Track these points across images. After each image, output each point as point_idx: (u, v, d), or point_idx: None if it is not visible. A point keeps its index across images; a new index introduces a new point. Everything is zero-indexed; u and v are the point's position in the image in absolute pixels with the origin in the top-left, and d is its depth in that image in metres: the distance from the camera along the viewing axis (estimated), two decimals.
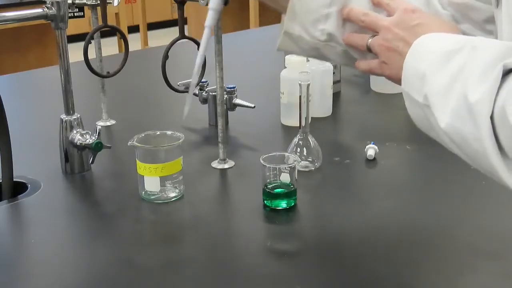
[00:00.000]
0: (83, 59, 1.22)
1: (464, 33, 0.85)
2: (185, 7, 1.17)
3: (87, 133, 1.18)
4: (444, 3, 0.90)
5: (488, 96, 0.66)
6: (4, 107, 1.10)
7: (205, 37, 0.89)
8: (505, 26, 0.75)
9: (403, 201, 1.08)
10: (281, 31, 0.93)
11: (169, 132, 1.11)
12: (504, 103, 0.65)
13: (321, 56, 0.94)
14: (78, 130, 1.18)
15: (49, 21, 1.12)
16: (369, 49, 0.87)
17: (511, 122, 0.64)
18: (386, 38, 0.83)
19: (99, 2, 1.28)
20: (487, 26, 0.86)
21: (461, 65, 0.70)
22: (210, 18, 0.89)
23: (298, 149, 1.18)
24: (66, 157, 1.18)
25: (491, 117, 0.66)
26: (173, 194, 1.08)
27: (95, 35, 1.32)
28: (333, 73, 1.49)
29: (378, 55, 0.85)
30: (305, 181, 1.12)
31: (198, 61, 0.91)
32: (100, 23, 1.26)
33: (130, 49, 1.32)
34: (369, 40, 0.86)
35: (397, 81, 0.82)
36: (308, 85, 1.15)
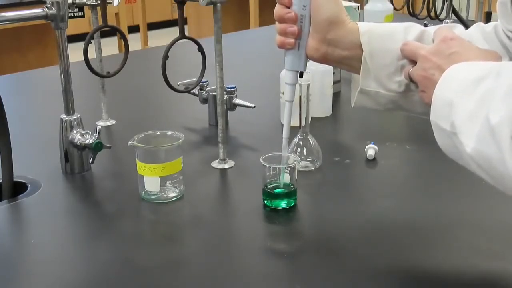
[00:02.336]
0: (83, 59, 1.22)
1: None
2: (185, 7, 1.17)
3: (87, 133, 1.18)
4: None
5: (508, 117, 0.67)
6: (4, 107, 1.10)
7: (287, 110, 0.96)
8: None
9: (403, 201, 1.08)
10: (355, 90, 0.93)
11: (169, 132, 1.11)
12: None
13: (400, 108, 0.93)
14: (78, 130, 1.18)
15: (49, 21, 1.12)
16: (411, 79, 0.87)
17: None
18: (424, 67, 0.83)
19: (99, 2, 1.28)
20: None
21: (486, 91, 0.71)
22: (288, 93, 0.95)
23: (298, 149, 1.18)
24: (66, 157, 1.18)
25: None
26: (173, 194, 1.08)
27: (95, 35, 1.32)
28: (333, 73, 1.49)
29: (418, 83, 0.85)
30: (305, 181, 1.12)
31: (285, 134, 0.98)
32: (100, 23, 1.26)
33: (130, 49, 1.32)
34: (410, 70, 0.86)
35: None
36: (308, 85, 1.15)
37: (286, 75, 0.95)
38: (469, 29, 0.93)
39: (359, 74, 0.91)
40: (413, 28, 0.90)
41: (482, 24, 0.95)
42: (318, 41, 0.90)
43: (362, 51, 0.89)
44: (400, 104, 0.92)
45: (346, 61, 0.91)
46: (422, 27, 0.91)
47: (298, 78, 0.95)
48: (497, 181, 0.72)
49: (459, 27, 0.91)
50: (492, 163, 0.69)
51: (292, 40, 0.91)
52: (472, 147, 0.71)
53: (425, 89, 0.83)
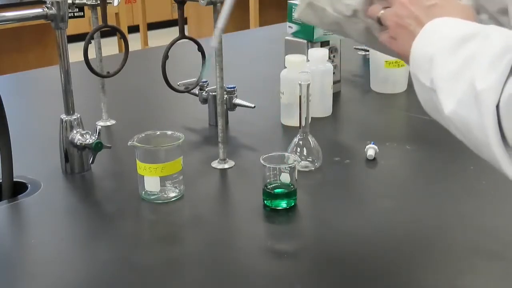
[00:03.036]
0: (83, 59, 1.22)
1: (481, 23, 0.85)
2: (185, 7, 1.17)
3: (87, 133, 1.18)
4: None
5: (496, 85, 0.66)
6: (4, 107, 1.10)
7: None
8: None
9: (403, 201, 1.08)
10: (303, 0, 0.92)
11: (169, 132, 1.11)
12: (509, 91, 0.65)
13: (341, 32, 0.92)
14: (78, 130, 1.18)
15: (49, 21, 1.12)
16: (379, 21, 0.85)
17: None
18: (399, 14, 0.81)
19: (99, 2, 1.28)
20: (501, 17, 0.85)
21: (472, 53, 0.70)
22: None
23: (298, 149, 1.18)
24: (66, 157, 1.18)
25: (497, 107, 0.66)
26: (173, 194, 1.08)
27: (95, 35, 1.32)
28: (333, 73, 1.49)
29: (388, 28, 0.84)
30: (305, 181, 1.12)
31: (220, 25, 0.85)
32: (100, 23, 1.26)
33: (130, 49, 1.32)
34: (381, 12, 0.84)
35: (404, 58, 0.81)
36: (308, 85, 1.15)
37: None
38: None
39: None
40: None
41: None
42: None
43: None
44: (343, 27, 0.91)
45: None
46: None
47: (298, 77, 0.94)
48: (473, 146, 0.71)
49: None
50: (470, 128, 0.69)
51: None
52: (451, 109, 0.70)
53: (396, 36, 0.82)
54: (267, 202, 1.04)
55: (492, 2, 0.85)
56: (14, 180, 1.13)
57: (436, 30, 0.76)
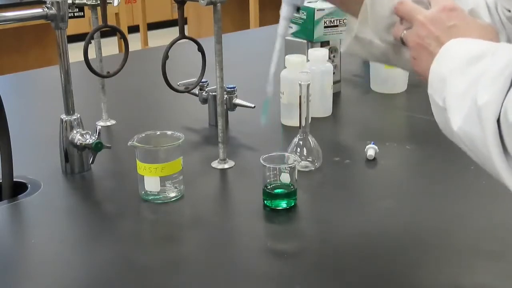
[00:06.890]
0: (83, 59, 1.22)
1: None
2: (185, 7, 1.17)
3: (87, 133, 1.18)
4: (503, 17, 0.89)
5: (495, 99, 0.67)
6: (4, 107, 1.10)
7: (278, 45, 0.93)
8: None
9: (403, 201, 1.08)
10: (349, 34, 0.91)
11: (169, 132, 1.11)
12: (507, 104, 0.65)
13: (390, 62, 0.92)
14: (78, 130, 1.18)
15: (49, 21, 1.12)
16: (402, 42, 0.85)
17: (511, 121, 0.65)
18: (420, 34, 0.81)
19: (99, 2, 1.28)
20: None
21: (480, 72, 0.70)
22: (282, 27, 0.92)
23: (298, 149, 1.18)
24: (66, 157, 1.18)
25: (498, 120, 0.67)
26: (173, 194, 1.08)
27: (95, 35, 1.32)
28: (333, 73, 1.49)
29: (410, 49, 0.84)
30: (305, 181, 1.12)
31: (272, 70, 0.95)
32: (100, 23, 1.26)
33: (130, 49, 1.32)
34: (404, 32, 0.84)
35: (424, 79, 0.81)
36: (308, 85, 1.15)
37: (283, 9, 0.91)
38: None
39: (356, 17, 0.89)
40: None
41: None
42: None
43: None
44: (391, 58, 0.91)
45: (347, 0, 0.90)
46: None
47: (298, 77, 0.94)
48: (481, 162, 0.72)
49: None
50: (475, 143, 0.70)
51: None
52: (459, 126, 0.71)
53: (417, 57, 0.82)
54: (267, 202, 1.04)
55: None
56: (14, 180, 1.13)
57: (450, 50, 0.77)
